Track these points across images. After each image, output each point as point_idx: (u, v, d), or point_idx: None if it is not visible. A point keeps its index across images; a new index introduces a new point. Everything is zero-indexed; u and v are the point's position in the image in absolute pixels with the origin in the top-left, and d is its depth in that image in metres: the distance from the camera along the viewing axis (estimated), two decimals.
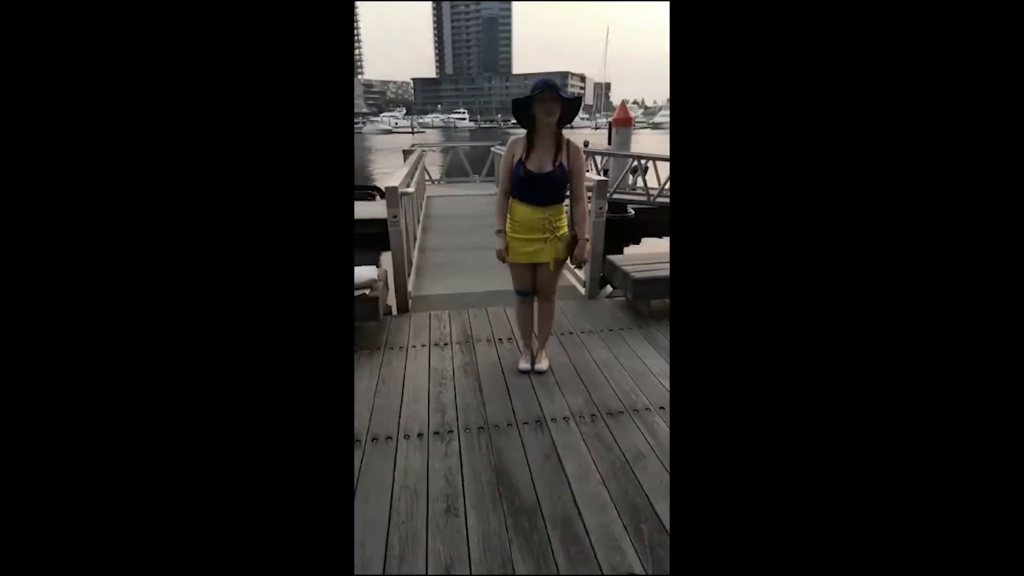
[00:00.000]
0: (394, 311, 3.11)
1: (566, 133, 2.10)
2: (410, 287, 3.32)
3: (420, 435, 1.92)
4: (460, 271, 4.00)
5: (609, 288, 3.48)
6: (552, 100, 1.96)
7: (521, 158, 2.07)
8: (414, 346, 2.68)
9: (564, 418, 2.02)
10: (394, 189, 2.83)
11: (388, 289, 2.99)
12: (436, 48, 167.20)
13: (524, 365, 2.39)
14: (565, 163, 2.07)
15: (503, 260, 2.22)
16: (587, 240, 2.18)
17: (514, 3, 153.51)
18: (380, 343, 2.70)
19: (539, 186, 2.07)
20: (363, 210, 6.64)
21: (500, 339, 2.75)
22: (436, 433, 1.94)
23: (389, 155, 23.43)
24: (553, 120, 2.00)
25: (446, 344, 2.70)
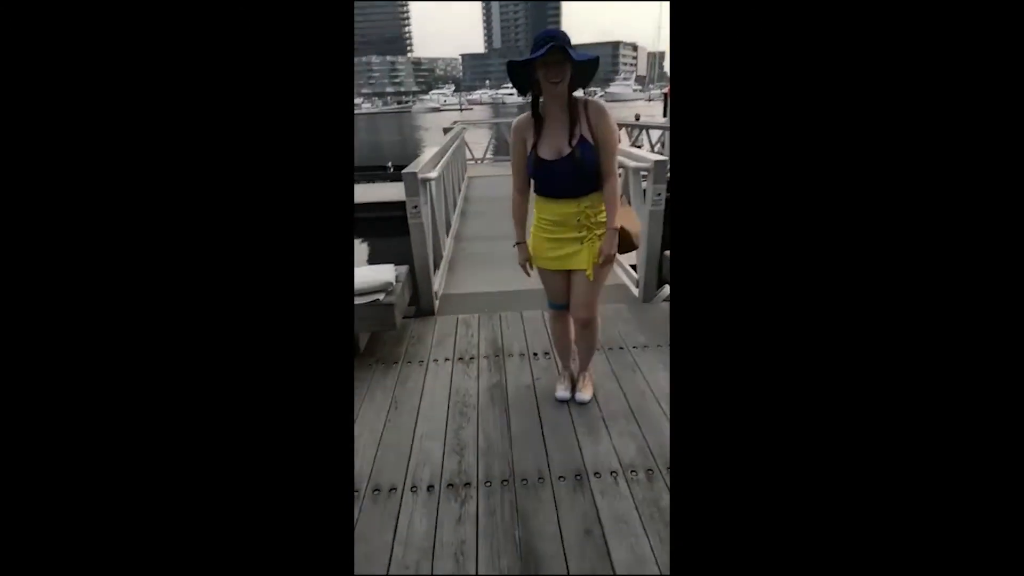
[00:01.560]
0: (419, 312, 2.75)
1: (609, 105, 1.59)
2: (437, 285, 2.93)
3: (431, 488, 1.55)
4: (496, 264, 3.58)
5: (667, 289, 2.95)
6: (558, 62, 1.43)
7: (534, 143, 1.58)
8: (436, 360, 2.30)
9: (611, 473, 1.58)
10: (412, 176, 2.43)
11: (409, 290, 2.62)
12: (485, 23, 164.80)
13: (562, 393, 1.95)
14: (588, 135, 1.53)
15: (528, 273, 1.77)
16: (615, 230, 1.59)
17: None
18: (398, 355, 2.35)
19: (559, 175, 1.57)
20: (389, 192, 6.35)
21: (535, 353, 2.32)
22: (450, 486, 1.56)
23: (435, 133, 23.19)
24: (562, 87, 1.47)
25: (472, 358, 2.31)
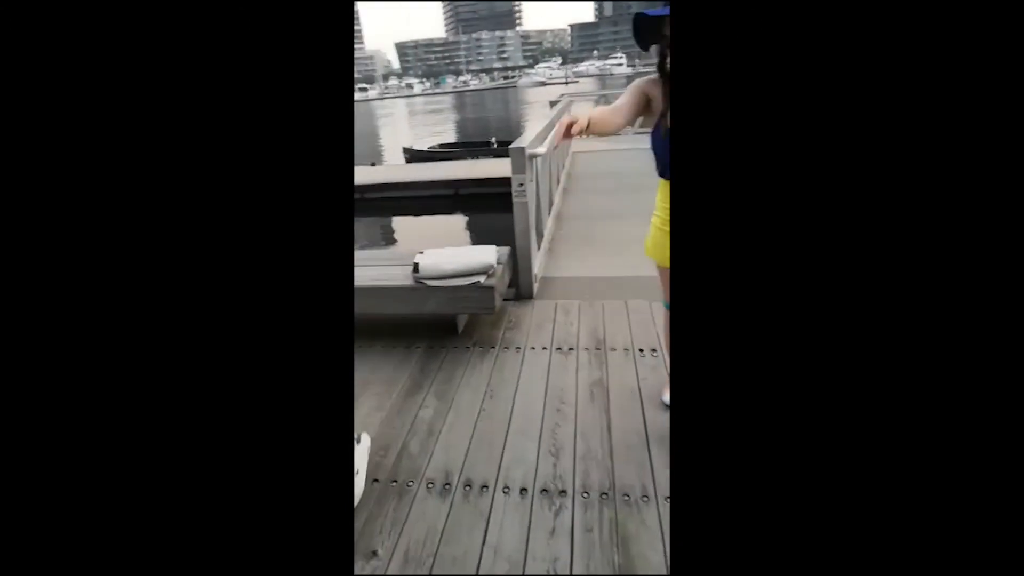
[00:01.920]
0: (519, 295, 2.64)
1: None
2: (537, 268, 2.81)
3: (523, 491, 1.45)
4: (599, 247, 3.37)
5: None
6: None
7: (662, 112, 1.36)
8: (533, 347, 2.19)
9: None
10: (519, 151, 2.29)
11: (509, 272, 2.52)
12: None
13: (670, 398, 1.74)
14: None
15: (571, 133, 1.26)
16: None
17: None
18: (495, 339, 2.27)
19: None
20: (492, 168, 6.25)
21: (641, 349, 2.12)
22: (544, 491, 1.44)
23: (541, 108, 22.84)
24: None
25: (571, 349, 2.16)
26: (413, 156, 10.55)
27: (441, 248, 2.38)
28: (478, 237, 5.79)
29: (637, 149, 7.02)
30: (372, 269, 2.41)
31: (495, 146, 10.31)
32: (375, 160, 10.72)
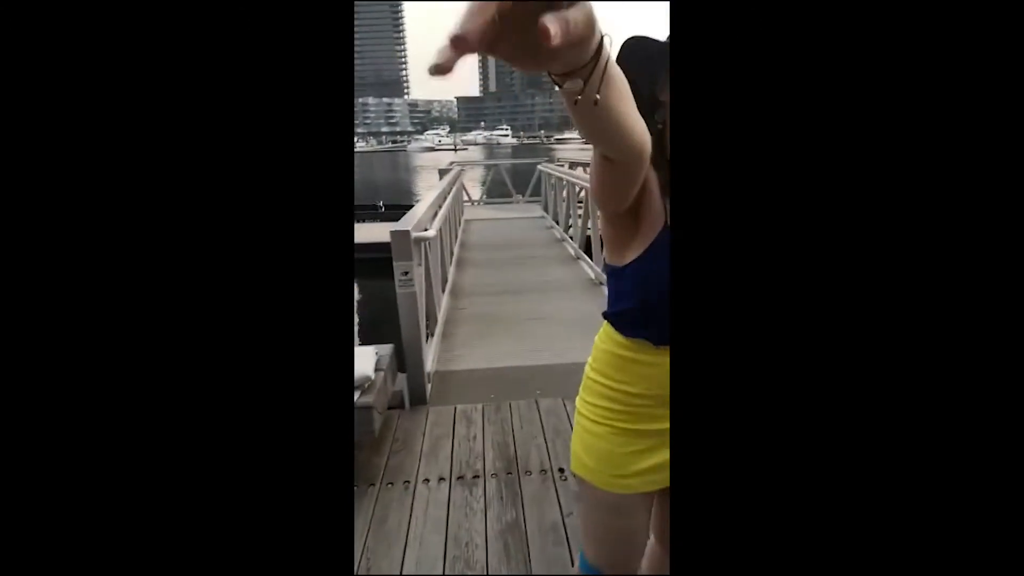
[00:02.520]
0: (406, 403, 2.17)
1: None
2: (429, 363, 2.37)
3: None
4: (500, 328, 3.04)
5: None
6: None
7: (662, 201, 0.69)
8: (427, 480, 1.72)
9: None
10: (403, 235, 1.90)
11: (394, 374, 2.06)
12: (480, 66, 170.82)
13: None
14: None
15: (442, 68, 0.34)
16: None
17: None
18: (375, 471, 1.76)
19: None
20: (378, 233, 5.84)
21: (562, 469, 1.75)
22: None
23: (431, 173, 23.02)
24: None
25: (476, 477, 1.73)
26: None
27: None
28: (363, 312, 5.22)
29: (531, 219, 7.07)
30: None
31: (383, 209, 9.91)
32: None
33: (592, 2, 0.32)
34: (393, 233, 1.88)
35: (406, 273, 1.92)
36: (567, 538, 1.46)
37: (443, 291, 3.40)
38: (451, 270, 4.17)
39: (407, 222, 2.02)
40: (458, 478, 1.72)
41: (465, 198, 8.19)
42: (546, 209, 6.98)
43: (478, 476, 1.73)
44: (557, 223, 6.05)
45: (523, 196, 8.66)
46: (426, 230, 2.05)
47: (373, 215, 9.19)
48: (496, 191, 9.22)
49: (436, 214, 2.49)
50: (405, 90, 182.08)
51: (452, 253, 4.66)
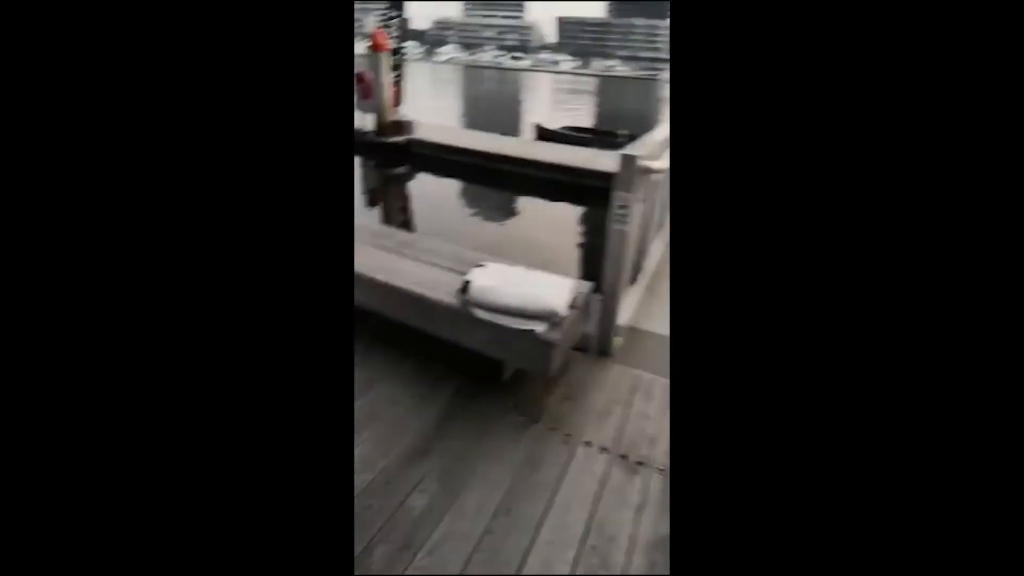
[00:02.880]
0: (592, 351, 1.97)
1: None
2: (626, 316, 2.10)
3: None
4: None
5: None
6: None
7: None
8: (588, 442, 1.53)
9: None
10: (629, 160, 1.58)
11: (587, 317, 1.86)
12: None
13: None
14: None
15: None
16: None
17: None
18: (543, 408, 1.64)
19: None
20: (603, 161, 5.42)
21: None
22: None
23: None
24: None
25: (641, 464, 1.46)
26: (542, 134, 10.00)
27: (508, 266, 1.78)
28: (582, 236, 5.11)
29: None
30: (428, 269, 1.89)
31: (623, 139, 9.43)
32: (509, 131, 10.26)
33: None
34: (622, 156, 1.58)
35: (624, 207, 1.63)
36: None
37: (658, 236, 3.00)
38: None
39: (638, 148, 1.68)
40: (621, 456, 1.48)
41: None
42: None
43: (643, 464, 1.46)
44: None
45: None
46: (655, 162, 1.69)
47: (617, 144, 8.82)
48: None
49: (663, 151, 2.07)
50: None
51: None
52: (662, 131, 2.33)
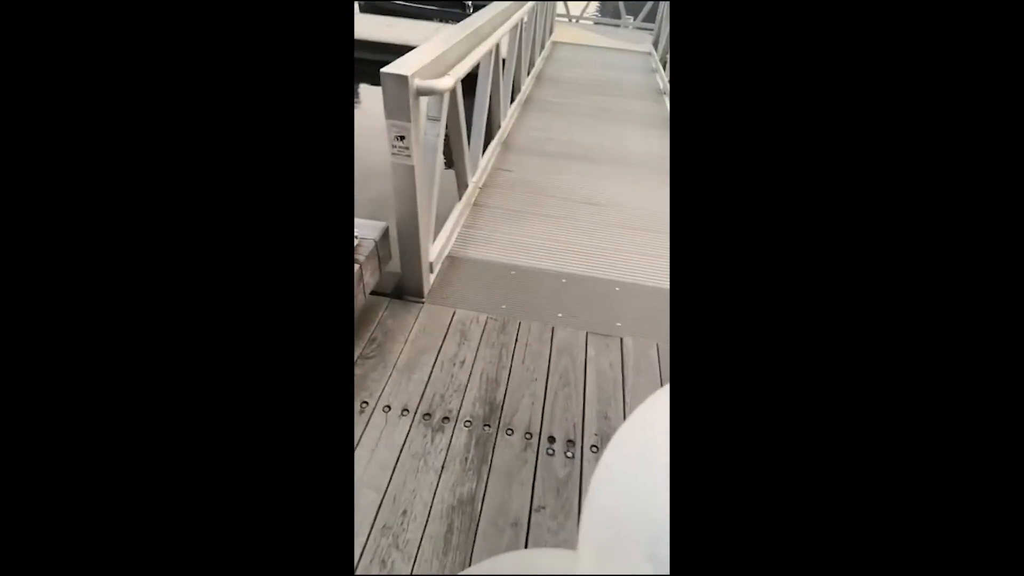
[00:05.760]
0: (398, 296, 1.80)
1: None
2: (439, 250, 1.93)
3: None
4: (548, 208, 2.48)
5: None
6: None
7: None
8: (388, 407, 1.43)
9: None
10: (398, 80, 1.29)
11: (387, 256, 1.65)
12: None
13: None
14: None
15: None
16: None
17: None
18: None
19: None
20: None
21: (553, 438, 1.39)
22: None
23: None
24: None
25: (446, 419, 1.41)
26: (369, 6, 8.54)
27: None
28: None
29: (631, 52, 5.74)
30: None
31: (470, 11, 8.47)
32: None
33: None
34: (384, 75, 1.27)
35: (402, 138, 1.36)
36: (527, 541, 1.16)
37: (505, 119, 2.77)
38: (511, 109, 3.44)
39: (416, 61, 1.37)
40: (424, 415, 1.41)
41: (561, 11, 6.74)
42: (656, 46, 5.58)
43: (448, 419, 1.41)
44: (665, 68, 4.84)
45: (633, 20, 7.02)
46: (440, 78, 1.40)
47: (459, 17, 7.86)
48: (605, 9, 7.52)
49: (465, 58, 1.75)
50: None
51: (526, 76, 3.84)
52: (470, 26, 1.99)
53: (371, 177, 2.66)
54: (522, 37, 3.45)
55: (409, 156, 1.40)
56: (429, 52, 1.46)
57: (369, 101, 5.40)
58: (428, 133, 1.65)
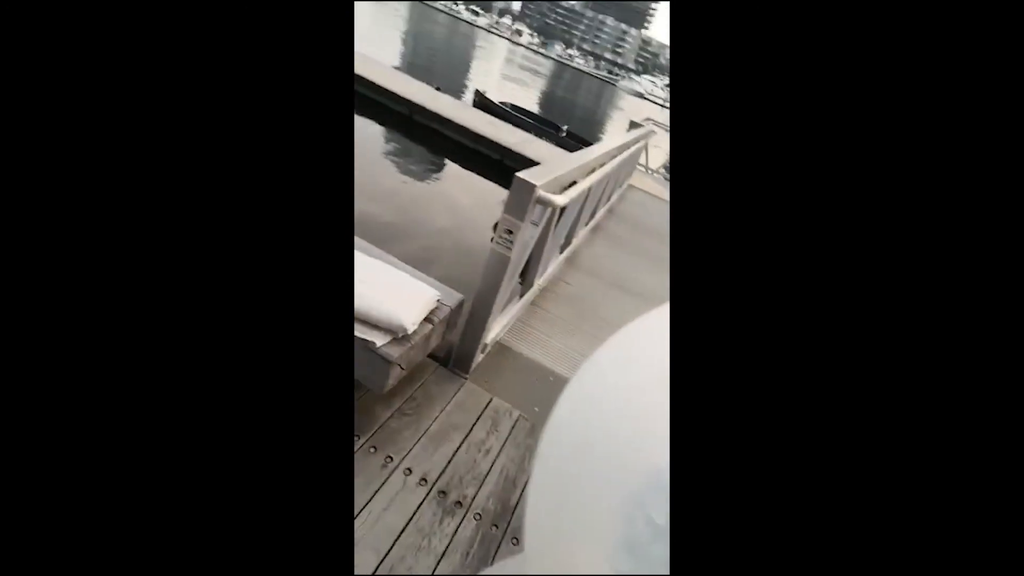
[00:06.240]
0: (449, 364, 1.86)
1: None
2: (495, 333, 2.02)
3: None
4: (592, 326, 2.58)
5: None
6: None
7: None
8: (409, 470, 1.42)
9: None
10: (525, 186, 1.47)
11: (445, 330, 1.74)
12: None
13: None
14: None
15: None
16: None
17: None
18: (375, 420, 1.50)
19: None
20: (545, 154, 5.36)
21: None
22: None
23: (622, 122, 21.65)
24: None
25: (459, 504, 1.39)
26: (482, 103, 9.60)
27: (373, 259, 1.60)
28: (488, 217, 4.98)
29: None
30: None
31: (563, 134, 9.38)
32: (448, 90, 9.68)
33: None
34: (516, 179, 1.46)
35: (510, 232, 1.52)
36: None
37: (560, 254, 2.97)
38: (584, 232, 3.69)
39: (542, 174, 1.57)
40: (440, 492, 1.40)
41: (642, 161, 7.39)
42: None
43: (461, 504, 1.39)
44: None
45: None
46: (559, 194, 1.59)
47: (552, 136, 8.72)
48: None
49: (586, 176, 1.99)
50: (645, 23, 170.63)
51: (592, 214, 4.15)
52: (585, 157, 2.25)
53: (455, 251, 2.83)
54: (614, 173, 3.81)
55: (509, 248, 1.54)
56: (553, 170, 1.66)
57: (451, 179, 5.88)
58: (526, 233, 1.82)
